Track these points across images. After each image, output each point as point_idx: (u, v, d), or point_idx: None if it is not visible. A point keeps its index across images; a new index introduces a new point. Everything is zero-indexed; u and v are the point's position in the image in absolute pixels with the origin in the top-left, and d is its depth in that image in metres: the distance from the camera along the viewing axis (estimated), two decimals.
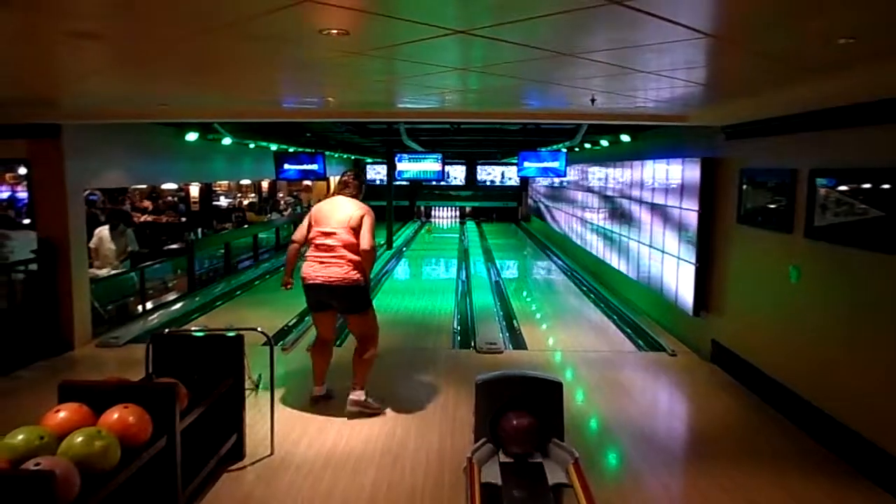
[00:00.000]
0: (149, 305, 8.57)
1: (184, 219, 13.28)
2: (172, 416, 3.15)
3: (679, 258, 6.91)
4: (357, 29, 2.81)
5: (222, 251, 11.83)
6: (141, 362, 3.94)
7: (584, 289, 10.62)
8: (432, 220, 25.95)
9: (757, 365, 5.38)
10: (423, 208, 26.19)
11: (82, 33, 2.87)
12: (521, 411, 3.22)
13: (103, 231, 8.46)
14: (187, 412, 3.39)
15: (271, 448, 4.20)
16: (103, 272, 8.08)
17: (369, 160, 19.16)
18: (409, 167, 12.19)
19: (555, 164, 11.12)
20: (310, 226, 4.84)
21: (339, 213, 4.77)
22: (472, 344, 6.96)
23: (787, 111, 4.81)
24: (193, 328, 5.51)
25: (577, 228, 13.52)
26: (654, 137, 8.29)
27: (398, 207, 19.77)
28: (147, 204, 14.56)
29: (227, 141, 9.72)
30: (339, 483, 3.82)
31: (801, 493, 3.81)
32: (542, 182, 19.24)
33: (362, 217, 4.73)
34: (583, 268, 12.43)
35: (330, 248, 4.70)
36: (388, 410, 4.88)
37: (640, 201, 8.54)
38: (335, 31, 2.76)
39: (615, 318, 8.35)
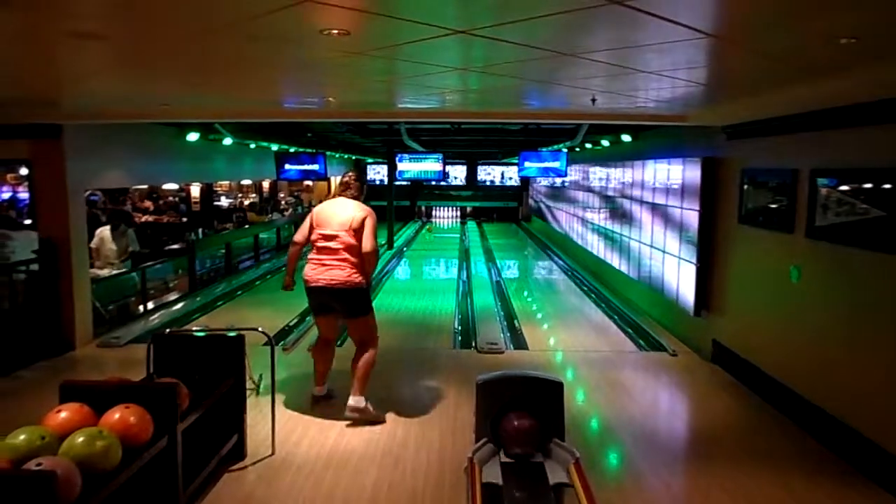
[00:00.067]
0: (150, 305, 8.58)
1: (185, 219, 13.30)
2: (173, 417, 3.15)
3: (680, 258, 6.91)
4: (358, 29, 2.81)
5: (223, 251, 11.84)
6: (142, 362, 3.94)
7: (585, 289, 10.62)
8: (433, 220, 25.96)
9: (758, 365, 5.37)
10: (423, 208, 26.20)
11: (83, 33, 2.87)
12: (522, 412, 3.22)
13: (104, 231, 8.47)
14: (188, 412, 3.40)
15: (272, 448, 4.20)
16: (104, 272, 8.09)
17: (370, 160, 19.17)
18: (410, 167, 12.19)
19: (556, 164, 11.12)
20: (311, 227, 4.80)
21: (340, 214, 4.73)
22: (473, 344, 6.96)
23: (788, 111, 4.81)
24: (194, 328, 5.51)
25: (578, 228, 13.52)
26: (654, 137, 8.29)
27: (399, 207, 19.77)
28: (148, 204, 14.58)
29: (227, 141, 9.72)
30: (340, 483, 3.82)
31: (802, 492, 3.80)
32: (542, 182, 19.24)
33: (364, 219, 4.69)
34: (584, 268, 12.43)
35: (332, 251, 4.66)
36: (389, 410, 4.88)
37: (641, 201, 8.53)
38: (336, 32, 2.76)
39: (616, 318, 8.35)
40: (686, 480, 4.13)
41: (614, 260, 10.06)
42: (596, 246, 11.55)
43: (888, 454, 3.77)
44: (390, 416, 4.78)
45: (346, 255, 4.64)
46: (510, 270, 13.47)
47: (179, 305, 8.86)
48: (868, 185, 4.02)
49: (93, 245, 8.07)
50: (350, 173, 5.01)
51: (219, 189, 18.47)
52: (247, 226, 13.89)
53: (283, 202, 19.30)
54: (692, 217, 6.55)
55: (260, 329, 4.37)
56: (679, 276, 6.92)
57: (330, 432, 4.51)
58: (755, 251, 5.51)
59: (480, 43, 3.01)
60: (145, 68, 3.98)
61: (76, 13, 2.57)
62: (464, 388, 5.29)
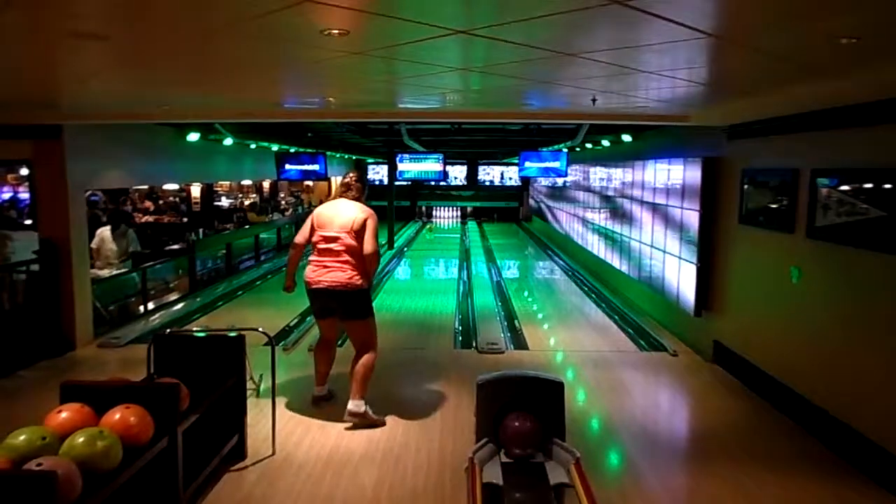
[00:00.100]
0: (150, 306, 8.58)
1: (185, 219, 13.30)
2: (174, 417, 3.15)
3: (681, 258, 6.91)
4: (358, 29, 2.80)
5: (224, 251, 11.84)
6: (142, 362, 3.94)
7: (586, 289, 10.62)
8: (433, 220, 25.96)
9: (758, 365, 5.37)
10: (424, 208, 26.20)
11: (84, 34, 2.87)
12: (523, 413, 3.22)
13: (105, 231, 8.47)
14: (189, 412, 3.40)
15: (273, 448, 4.20)
16: (105, 272, 8.09)
17: (370, 160, 19.17)
18: (411, 167, 12.18)
19: (556, 164, 11.11)
20: (312, 229, 4.77)
21: (341, 216, 4.70)
22: (474, 344, 6.96)
23: (789, 111, 4.81)
24: (195, 328, 5.51)
25: (579, 228, 13.51)
26: (655, 137, 8.29)
27: (399, 207, 19.78)
28: (148, 204, 14.58)
29: (228, 141, 9.73)
30: (340, 483, 3.82)
31: (803, 492, 3.80)
32: (543, 182, 19.23)
33: (365, 220, 4.67)
34: (584, 268, 12.43)
35: (333, 253, 4.63)
36: (390, 410, 4.87)
37: (642, 201, 8.53)
38: (336, 32, 2.76)
39: (616, 318, 8.35)
40: (686, 480, 4.13)
41: (615, 260, 10.05)
42: (596, 246, 11.54)
43: (888, 454, 3.77)
44: (391, 417, 4.77)
45: (348, 257, 4.61)
46: (510, 270, 13.46)
47: (180, 306, 8.87)
48: (869, 186, 4.02)
49: (93, 245, 8.07)
50: (351, 174, 4.95)
51: (219, 189, 18.46)
52: (247, 226, 13.89)
53: (283, 202, 19.30)
54: (693, 217, 6.55)
55: (260, 329, 4.37)
56: (680, 276, 6.92)
57: (331, 432, 4.51)
58: (756, 251, 5.51)
59: (480, 43, 3.01)
60: (146, 69, 3.98)
61: (77, 13, 2.57)
62: (464, 388, 5.29)
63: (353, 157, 19.30)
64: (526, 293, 10.61)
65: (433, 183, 15.71)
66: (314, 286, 4.67)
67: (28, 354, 6.06)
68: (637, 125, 8.16)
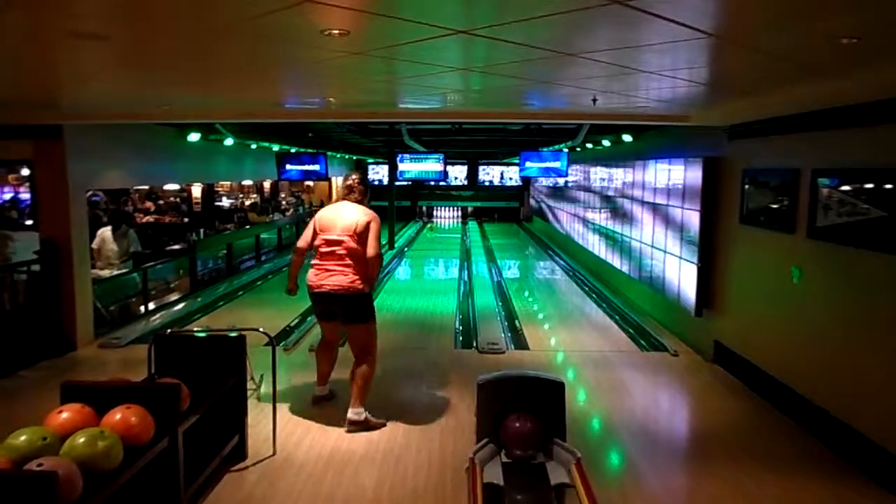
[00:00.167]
0: (151, 306, 8.59)
1: (186, 219, 13.30)
2: (175, 417, 3.15)
3: (681, 258, 6.91)
4: (358, 29, 2.81)
5: (224, 252, 11.85)
6: (143, 363, 3.94)
7: (586, 289, 10.62)
8: (434, 220, 25.96)
9: (759, 365, 5.37)
10: (424, 208, 26.20)
11: (84, 34, 2.88)
12: (524, 413, 3.22)
13: (106, 232, 8.48)
14: (189, 413, 3.40)
15: (273, 448, 4.20)
16: (105, 273, 8.10)
17: (371, 160, 19.17)
18: (411, 167, 12.19)
19: (556, 164, 11.12)
20: (314, 233, 4.73)
21: (344, 219, 4.66)
22: (474, 344, 6.96)
23: (790, 111, 4.80)
24: (195, 329, 5.51)
25: (579, 229, 13.51)
26: (656, 137, 8.28)
27: (400, 208, 19.78)
28: (149, 205, 14.59)
29: (229, 141, 9.73)
30: (341, 483, 3.82)
31: (804, 492, 3.80)
32: (543, 182, 19.23)
33: (368, 223, 4.63)
34: (585, 268, 12.43)
35: (335, 256, 4.60)
36: (390, 411, 4.87)
37: (643, 201, 8.53)
38: (336, 32, 2.76)
39: (617, 318, 8.34)
40: (687, 480, 4.13)
41: (615, 260, 10.05)
42: (597, 246, 11.54)
43: (889, 454, 3.77)
44: (391, 417, 4.77)
45: (350, 261, 4.58)
46: (511, 270, 13.46)
47: (181, 306, 8.87)
48: (869, 186, 4.02)
49: (94, 245, 8.08)
50: (354, 176, 4.89)
51: (220, 189, 18.47)
52: (248, 226, 13.90)
53: (284, 202, 19.30)
54: (693, 217, 6.54)
55: (261, 329, 4.37)
56: (680, 276, 6.92)
57: (331, 432, 4.51)
58: (756, 251, 5.51)
59: (481, 43, 3.01)
60: (146, 69, 3.98)
61: (77, 13, 2.57)
62: (465, 388, 5.29)
63: (354, 158, 19.31)
64: (526, 293, 10.61)
65: (434, 183, 15.71)
66: (316, 290, 4.65)
67: (29, 354, 6.07)
68: (638, 125, 8.16)
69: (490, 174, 21.84)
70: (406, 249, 16.21)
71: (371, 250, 4.59)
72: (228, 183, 18.78)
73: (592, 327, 8.04)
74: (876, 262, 3.93)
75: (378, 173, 15.26)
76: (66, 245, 6.48)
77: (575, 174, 13.89)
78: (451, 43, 2.99)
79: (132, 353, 6.31)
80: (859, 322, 4.13)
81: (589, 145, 11.36)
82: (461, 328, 7.83)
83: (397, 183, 13.99)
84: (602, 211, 11.25)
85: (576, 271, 12.38)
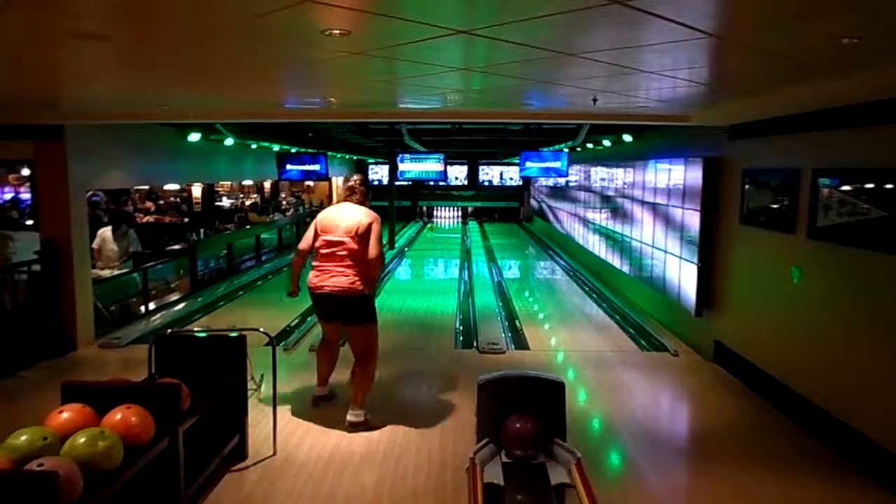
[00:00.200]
0: (151, 306, 8.59)
1: (186, 219, 13.31)
2: (175, 417, 3.15)
3: (681, 258, 6.91)
4: (358, 29, 2.81)
5: (225, 251, 11.84)
6: (143, 363, 3.94)
7: (587, 289, 10.62)
8: (434, 220, 25.96)
9: (759, 365, 5.37)
10: (425, 208, 26.20)
11: (85, 34, 2.88)
12: (524, 414, 3.22)
13: (106, 232, 8.49)
14: (190, 413, 3.40)
15: (274, 448, 4.20)
16: (106, 273, 8.10)
17: (371, 160, 19.18)
18: (412, 167, 12.18)
19: (557, 164, 11.11)
20: (316, 234, 4.73)
21: (345, 220, 4.65)
22: (475, 344, 6.96)
23: (790, 111, 4.80)
24: (196, 329, 5.51)
25: (580, 229, 13.51)
26: (656, 137, 8.28)
27: (400, 207, 19.77)
28: (149, 205, 14.59)
29: (229, 141, 9.73)
30: (341, 483, 3.82)
31: (804, 492, 3.80)
32: (544, 182, 19.23)
33: (370, 224, 4.62)
34: (585, 268, 12.43)
35: (337, 258, 4.59)
36: (390, 411, 4.88)
37: (643, 201, 8.53)
38: (337, 32, 2.76)
39: (617, 318, 8.35)
40: (687, 480, 4.13)
41: (616, 260, 10.05)
42: (597, 246, 11.54)
43: (889, 454, 3.77)
44: (391, 417, 4.77)
45: (351, 262, 4.57)
46: (511, 270, 13.46)
47: (181, 306, 8.87)
48: (870, 186, 4.02)
49: (94, 245, 8.08)
50: (356, 177, 4.92)
51: (220, 189, 18.48)
52: (248, 226, 13.90)
53: (284, 202, 19.30)
54: (694, 217, 6.54)
55: (261, 329, 4.37)
56: (681, 276, 6.92)
57: (331, 432, 4.51)
58: (757, 251, 5.51)
59: (481, 43, 3.01)
60: (146, 69, 3.98)
61: (77, 13, 2.57)
62: (465, 388, 5.29)
63: (354, 158, 19.31)
64: (527, 293, 10.61)
65: (434, 183, 15.71)
66: (317, 291, 4.64)
67: (29, 355, 6.07)
68: (638, 125, 8.16)
69: (490, 174, 21.82)
70: (406, 249, 16.21)
71: (372, 251, 4.58)
72: (229, 183, 18.78)
73: (593, 327, 8.04)
74: (876, 262, 3.93)
75: (378, 173, 15.28)
76: (66, 245, 6.49)
77: (575, 174, 13.89)
78: (452, 43, 2.99)
79: (132, 353, 6.32)
80: (859, 322, 4.13)
81: (589, 145, 11.35)
82: (461, 328, 7.83)
83: (397, 183, 13.99)
84: (602, 211, 11.25)
85: (576, 271, 12.38)
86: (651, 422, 4.98)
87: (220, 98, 5.64)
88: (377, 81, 4.51)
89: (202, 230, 11.70)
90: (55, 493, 2.27)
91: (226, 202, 17.89)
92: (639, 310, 8.56)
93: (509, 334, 7.43)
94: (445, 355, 6.62)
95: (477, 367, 5.70)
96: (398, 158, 12.27)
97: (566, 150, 11.64)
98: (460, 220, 25.82)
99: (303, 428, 4.60)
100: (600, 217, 11.39)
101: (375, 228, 4.64)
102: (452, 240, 19.24)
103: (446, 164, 12.19)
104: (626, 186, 9.55)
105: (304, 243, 4.80)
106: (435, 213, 26.49)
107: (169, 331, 4.45)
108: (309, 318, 7.53)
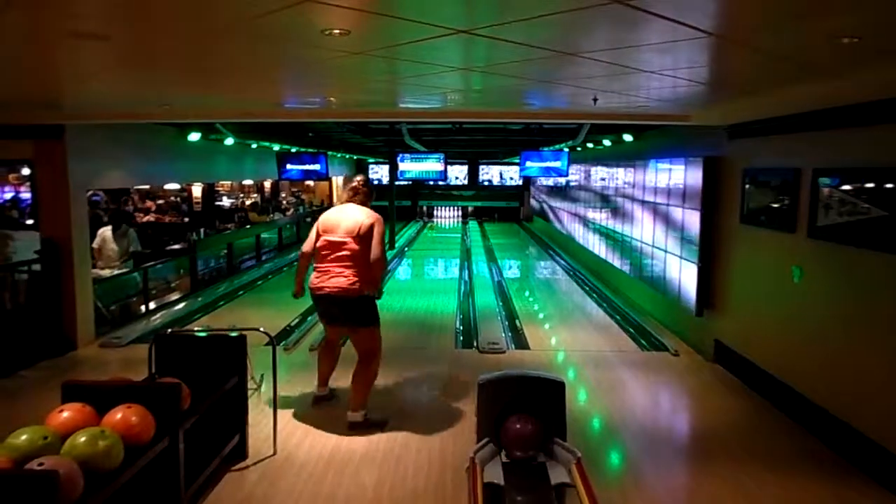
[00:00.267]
0: (151, 305, 8.59)
1: (186, 219, 13.31)
2: (175, 416, 3.15)
3: (682, 258, 6.90)
4: (359, 29, 2.81)
5: (225, 251, 11.84)
6: (144, 362, 3.94)
7: (587, 289, 10.62)
8: (434, 219, 25.96)
9: (760, 364, 5.37)
10: (425, 208, 26.19)
11: (85, 34, 2.88)
12: (524, 415, 3.22)
13: (106, 231, 8.49)
14: (190, 412, 3.40)
15: (274, 448, 4.20)
16: (106, 272, 8.11)
17: (371, 160, 19.17)
18: (412, 167, 12.18)
19: (557, 164, 11.10)
20: (318, 235, 4.71)
21: (347, 221, 4.63)
22: (475, 344, 6.96)
23: (791, 110, 4.80)
24: (196, 328, 5.52)
25: (580, 228, 13.51)
26: (656, 137, 8.28)
27: (400, 207, 19.77)
28: (150, 204, 14.60)
29: (229, 141, 9.73)
30: (341, 483, 3.82)
31: (804, 492, 3.80)
32: (544, 182, 19.22)
33: (372, 225, 4.59)
34: (585, 268, 12.43)
35: (337, 259, 4.56)
36: (391, 411, 4.87)
37: (643, 201, 8.53)
38: (337, 31, 2.76)
39: (618, 317, 8.35)
40: (687, 480, 4.13)
41: (616, 260, 10.05)
42: (598, 246, 11.54)
43: (889, 453, 3.77)
44: (392, 417, 4.77)
45: (351, 263, 4.54)
46: (512, 270, 13.46)
47: (181, 305, 8.87)
48: (870, 185, 4.02)
49: (95, 245, 8.08)
50: (359, 178, 4.90)
51: (220, 189, 18.49)
52: (248, 226, 13.90)
53: (284, 202, 19.31)
54: (694, 217, 6.54)
55: (261, 329, 4.37)
56: (681, 276, 6.92)
57: (331, 432, 4.51)
58: (757, 251, 5.51)
59: (481, 43, 3.01)
60: (146, 69, 3.99)
61: (77, 13, 2.57)
62: (465, 388, 5.29)
63: (355, 157, 19.30)
64: (527, 293, 10.61)
65: (434, 183, 15.71)
66: (317, 292, 4.62)
67: (29, 354, 6.07)
68: (638, 125, 8.16)
69: (490, 174, 21.81)
70: (406, 249, 16.21)
71: (374, 253, 4.56)
72: (229, 182, 18.79)
73: (593, 327, 8.04)
74: (876, 262, 3.93)
75: (378, 173, 15.27)
76: (66, 245, 6.49)
77: (576, 174, 13.89)
78: (452, 43, 2.99)
79: (133, 353, 6.32)
80: (860, 321, 4.13)
81: (590, 145, 11.35)
82: (462, 328, 7.83)
83: (398, 183, 13.99)
84: (603, 210, 11.25)
85: (576, 271, 12.38)
86: (651, 421, 4.98)
87: (220, 98, 5.64)
88: (377, 81, 4.51)
89: (202, 230, 11.71)
90: (55, 493, 2.27)
91: (226, 202, 17.90)
92: (639, 309, 8.56)
93: (509, 334, 7.43)
94: (445, 355, 6.61)
95: (477, 366, 5.70)
96: (398, 158, 12.26)
97: (566, 149, 11.64)
98: (460, 219, 25.81)
99: (303, 428, 4.60)
100: (601, 217, 11.39)
101: (378, 229, 4.62)
102: (452, 239, 19.24)
103: (446, 163, 12.18)
104: (626, 186, 9.55)
105: (307, 245, 4.78)
106: (435, 212, 26.48)
107: (169, 330, 4.45)
108: (309, 318, 7.53)
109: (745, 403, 5.23)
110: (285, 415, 4.74)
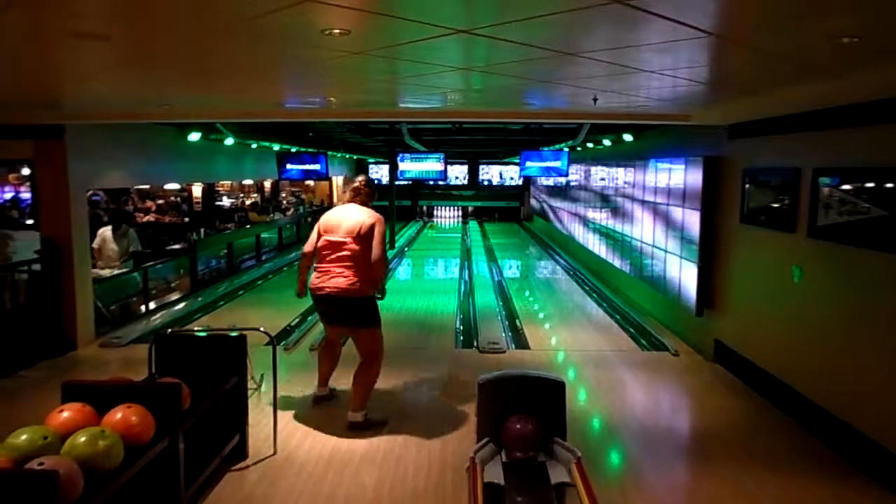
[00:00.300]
0: (152, 305, 8.59)
1: (186, 219, 13.31)
2: (175, 416, 3.15)
3: (682, 258, 6.90)
4: (359, 28, 2.81)
5: (225, 251, 11.85)
6: (144, 362, 3.94)
7: (587, 288, 10.62)
8: (434, 219, 25.96)
9: (760, 364, 5.37)
10: (425, 208, 26.19)
11: (85, 34, 2.88)
12: (524, 415, 3.22)
13: (106, 231, 8.49)
14: (190, 412, 3.40)
15: (274, 448, 4.21)
16: (106, 272, 8.11)
17: (371, 160, 19.18)
18: (412, 167, 12.18)
19: (557, 164, 11.11)
20: (319, 235, 4.71)
21: (348, 221, 4.62)
22: (475, 344, 6.96)
23: (791, 110, 4.80)
24: (196, 328, 5.52)
25: (580, 228, 13.51)
26: (656, 137, 8.28)
27: (400, 207, 19.76)
28: (150, 204, 14.60)
29: (229, 141, 9.73)
30: (341, 483, 3.82)
31: (804, 492, 3.80)
32: (544, 182, 19.22)
33: (373, 225, 4.57)
34: (585, 267, 12.43)
35: (337, 259, 4.55)
36: (390, 411, 4.87)
37: (643, 201, 8.53)
38: (337, 31, 2.76)
39: (618, 317, 8.35)
40: (687, 480, 4.13)
41: (616, 259, 10.05)
42: (598, 246, 11.54)
43: (889, 453, 3.77)
44: (392, 417, 4.77)
45: (351, 263, 4.52)
46: (512, 270, 13.47)
47: (181, 305, 8.88)
48: (870, 185, 4.02)
49: (95, 245, 8.08)
50: (361, 178, 4.89)
51: (220, 189, 18.48)
52: (248, 226, 13.91)
53: (284, 202, 19.31)
54: (694, 216, 6.54)
55: (262, 329, 4.38)
56: (681, 275, 6.92)
57: (332, 432, 4.51)
58: (757, 251, 5.51)
59: (481, 42, 3.01)
60: (147, 69, 3.99)
61: (77, 13, 2.57)
62: (465, 387, 5.29)
63: (355, 157, 19.30)
64: (527, 293, 10.61)
65: (434, 182, 15.73)
66: (317, 292, 4.62)
67: (29, 354, 6.07)
68: (638, 125, 8.16)
69: (490, 174, 21.83)
70: (406, 249, 16.21)
71: (375, 253, 4.54)
72: (229, 182, 18.79)
73: (593, 327, 8.04)
74: (877, 262, 3.93)
75: (378, 173, 15.28)
76: (66, 245, 6.49)
77: (576, 174, 13.89)
78: (452, 42, 2.99)
79: (133, 353, 6.32)
80: (860, 321, 4.13)
81: (590, 145, 11.35)
82: (462, 328, 7.83)
83: (398, 182, 13.99)
84: (603, 210, 11.25)
85: (576, 271, 12.38)
86: (651, 421, 4.98)
87: (220, 98, 5.64)
88: (377, 81, 4.51)
89: (202, 230, 11.71)
90: (55, 493, 2.27)
91: (226, 201, 17.90)
92: (639, 309, 8.56)
93: (510, 334, 7.43)
94: (446, 355, 6.61)
95: (477, 366, 5.70)
96: (398, 158, 12.27)
97: (566, 149, 11.64)
98: (460, 219, 25.80)
99: (303, 428, 4.60)
100: (601, 216, 11.39)
101: (379, 229, 4.60)
102: (453, 239, 19.24)
103: (446, 163, 12.18)
104: (626, 186, 9.55)
105: (309, 245, 4.77)
106: (435, 212, 26.47)
107: (169, 330, 4.45)
108: (309, 318, 7.53)
109: (746, 403, 5.23)
110: (285, 415, 4.74)
